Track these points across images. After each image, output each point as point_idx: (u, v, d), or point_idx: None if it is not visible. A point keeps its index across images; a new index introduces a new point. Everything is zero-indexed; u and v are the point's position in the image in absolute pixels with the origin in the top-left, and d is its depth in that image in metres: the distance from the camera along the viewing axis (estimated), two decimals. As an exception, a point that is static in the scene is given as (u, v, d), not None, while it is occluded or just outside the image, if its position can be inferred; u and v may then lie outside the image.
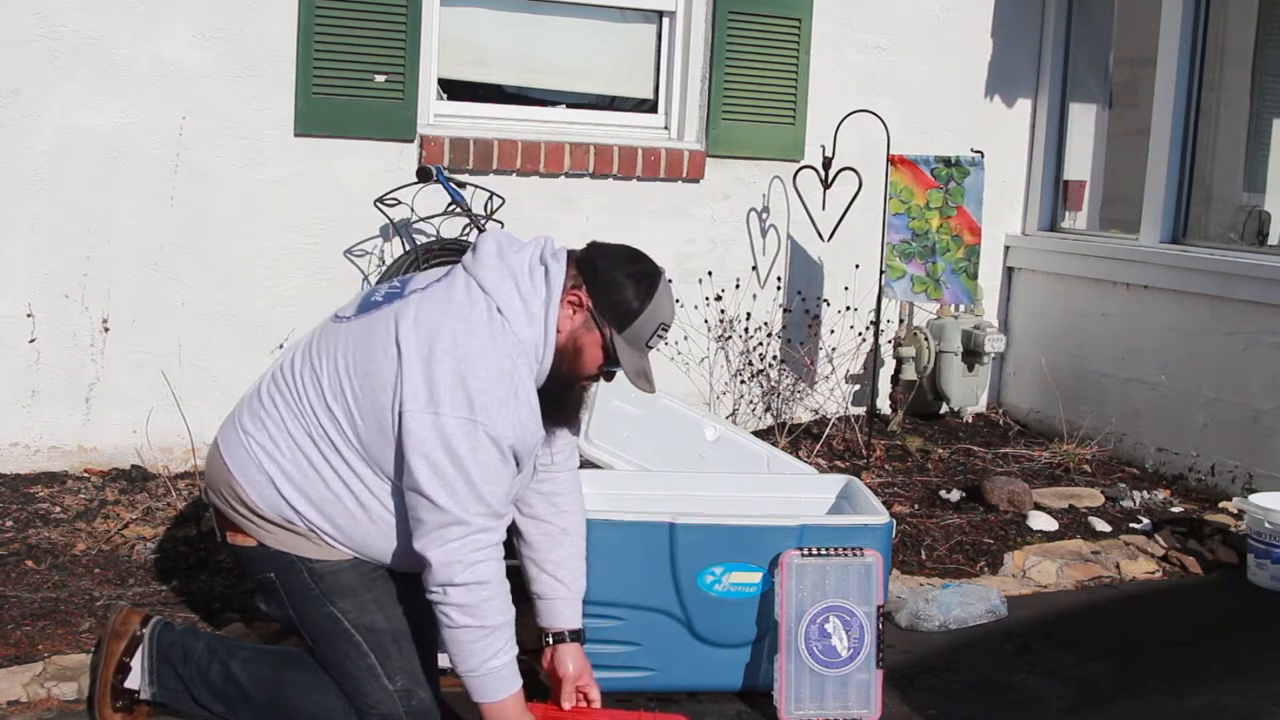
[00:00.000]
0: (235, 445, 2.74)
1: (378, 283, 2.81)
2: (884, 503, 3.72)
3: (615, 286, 2.70)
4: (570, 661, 2.89)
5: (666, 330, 2.79)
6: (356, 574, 2.72)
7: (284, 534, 2.71)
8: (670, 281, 2.87)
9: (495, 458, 2.56)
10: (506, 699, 2.61)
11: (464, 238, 4.69)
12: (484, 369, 2.56)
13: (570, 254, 2.76)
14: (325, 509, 2.68)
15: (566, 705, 2.86)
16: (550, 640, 2.91)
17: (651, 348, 2.78)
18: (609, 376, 2.84)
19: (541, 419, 2.69)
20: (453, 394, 2.53)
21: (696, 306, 5.39)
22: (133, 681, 2.82)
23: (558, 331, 2.69)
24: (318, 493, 2.67)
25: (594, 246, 2.79)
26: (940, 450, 5.39)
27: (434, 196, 4.75)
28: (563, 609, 2.92)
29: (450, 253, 4.47)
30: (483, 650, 2.57)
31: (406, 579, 2.73)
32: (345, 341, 2.68)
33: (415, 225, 4.79)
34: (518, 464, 2.64)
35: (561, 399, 2.76)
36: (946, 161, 5.19)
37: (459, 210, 4.61)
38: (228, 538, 2.82)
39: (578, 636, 2.92)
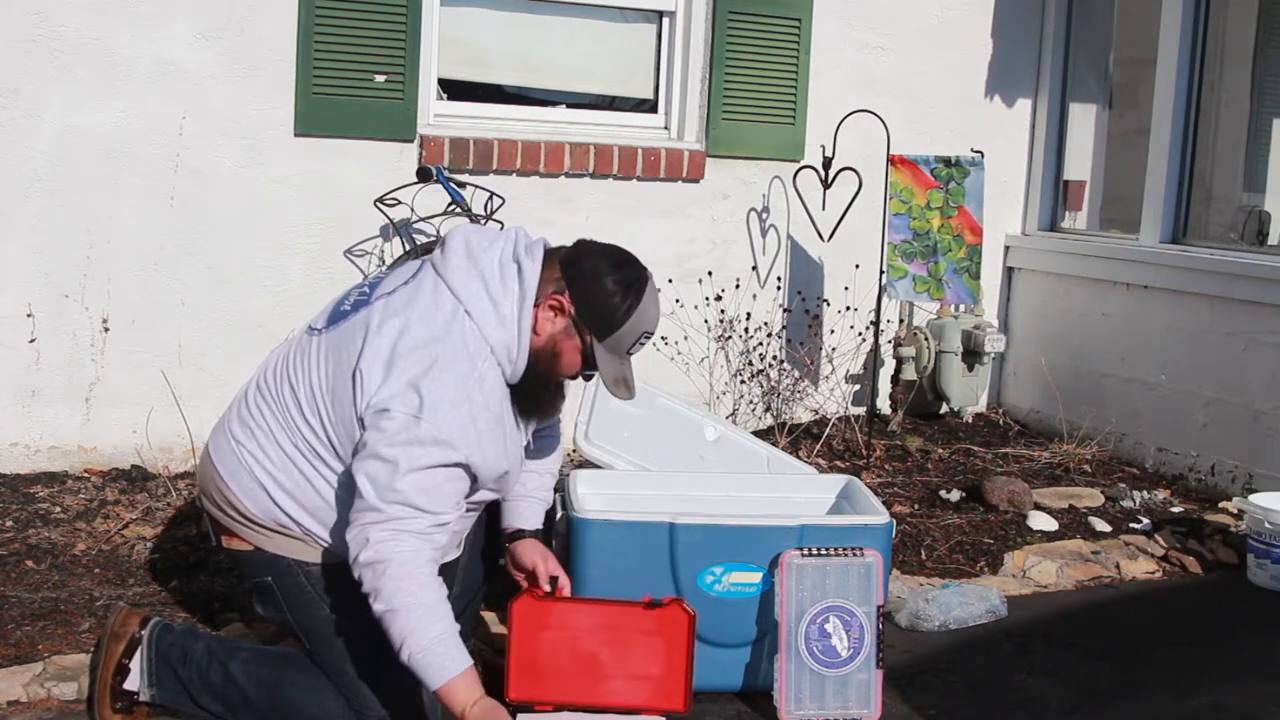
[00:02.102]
0: (227, 453, 2.74)
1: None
2: (884, 503, 3.72)
3: (600, 294, 2.65)
4: (531, 553, 2.90)
5: (649, 338, 2.74)
6: (353, 576, 2.72)
7: (280, 538, 2.71)
8: (660, 289, 2.82)
9: (432, 458, 2.50)
10: (448, 683, 2.46)
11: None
12: (440, 372, 2.52)
13: (552, 252, 2.72)
14: (319, 514, 2.68)
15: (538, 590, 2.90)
16: (507, 541, 2.92)
17: (632, 354, 2.75)
18: (587, 378, 2.83)
19: (518, 414, 2.67)
20: (403, 394, 2.50)
21: (696, 306, 5.39)
22: (132, 683, 2.82)
23: (536, 334, 2.66)
24: (310, 499, 2.67)
25: (581, 246, 2.74)
26: (940, 450, 5.39)
27: (434, 196, 4.75)
28: (524, 509, 2.94)
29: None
30: (397, 636, 2.45)
31: None
32: (317, 357, 2.66)
33: (415, 225, 4.79)
34: (474, 477, 2.59)
35: (536, 396, 2.74)
36: (946, 161, 5.19)
37: (459, 210, 4.61)
38: (223, 542, 2.82)
39: (537, 534, 2.94)
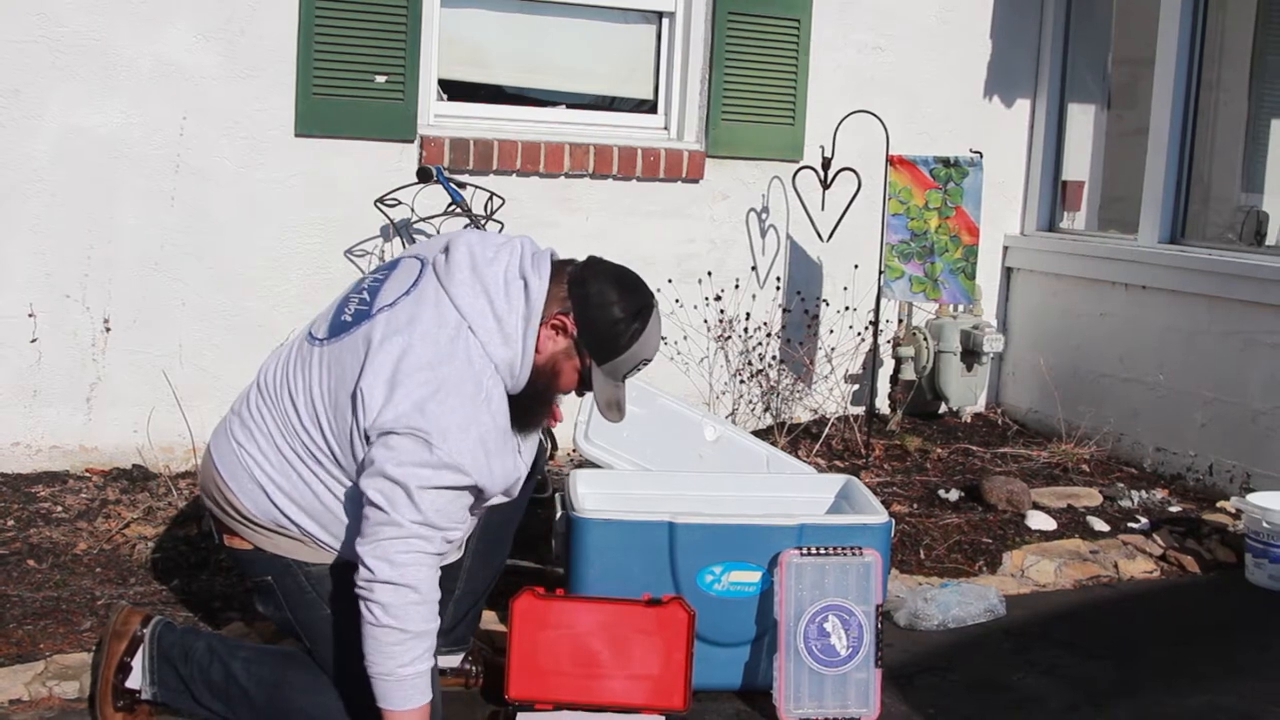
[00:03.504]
0: (227, 455, 2.74)
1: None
2: (883, 502, 3.72)
3: (605, 320, 2.65)
4: None
5: (646, 365, 2.74)
6: (352, 577, 2.72)
7: (279, 539, 2.72)
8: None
9: (443, 480, 2.51)
10: (412, 710, 2.54)
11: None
12: (446, 393, 2.51)
13: (559, 266, 2.70)
14: (318, 516, 2.68)
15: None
16: None
17: (627, 379, 2.75)
18: (580, 394, 2.83)
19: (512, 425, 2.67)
20: (410, 418, 2.48)
21: (696, 306, 5.40)
22: (134, 681, 2.83)
23: (538, 352, 2.65)
24: (309, 502, 2.67)
25: (589, 267, 2.72)
26: (939, 450, 5.40)
27: (434, 197, 4.75)
28: None
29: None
30: (399, 654, 2.51)
31: None
32: (318, 369, 2.65)
33: (415, 225, 4.80)
34: (481, 491, 2.60)
35: (529, 410, 2.73)
36: (945, 162, 5.19)
37: (459, 210, 4.62)
38: (225, 540, 2.83)
39: None
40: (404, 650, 2.51)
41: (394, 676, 2.51)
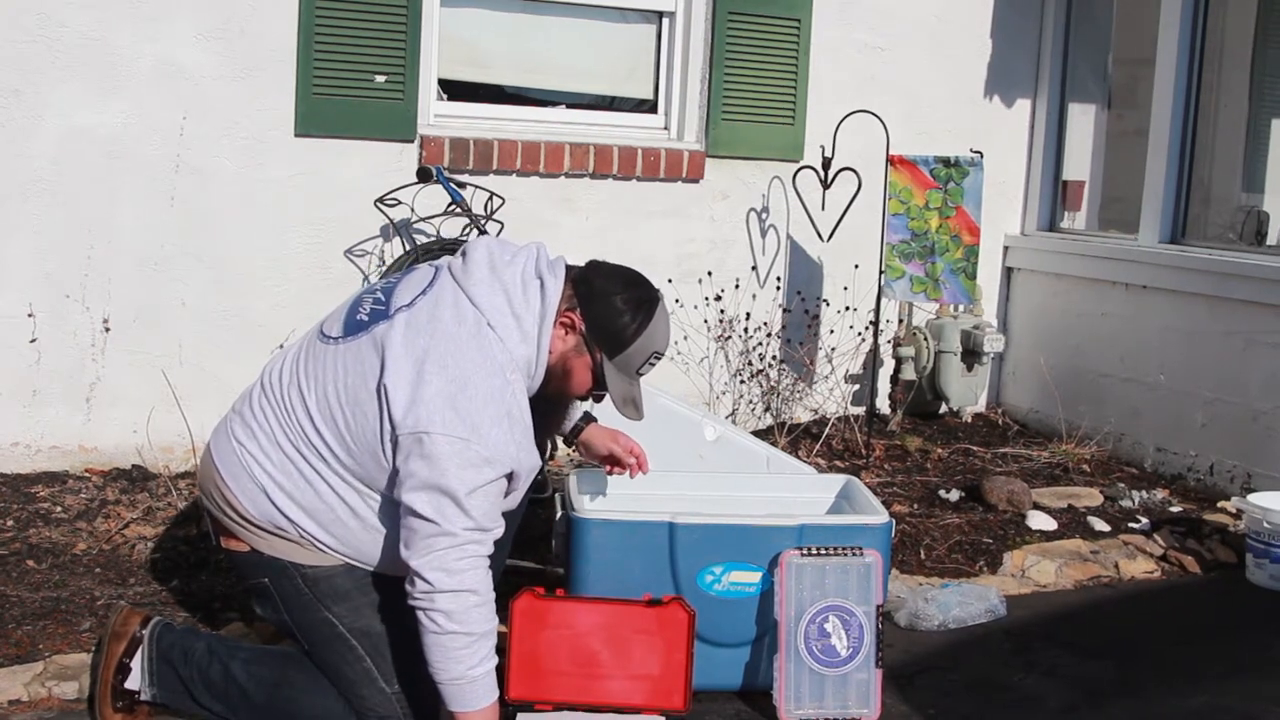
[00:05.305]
0: (228, 454, 2.74)
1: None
2: (883, 502, 3.72)
3: (611, 313, 2.68)
4: (602, 438, 3.15)
5: (659, 358, 2.77)
6: (350, 579, 2.72)
7: (277, 540, 2.72)
8: (671, 311, 2.86)
9: (485, 477, 2.53)
10: (484, 709, 2.58)
11: (464, 238, 4.70)
12: (474, 389, 2.53)
13: (567, 268, 2.73)
14: (319, 517, 2.68)
15: (628, 470, 3.18)
16: (573, 438, 3.15)
17: (642, 374, 2.77)
18: (598, 399, 2.84)
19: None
20: (443, 415, 2.50)
21: (696, 306, 5.39)
22: (133, 682, 2.83)
23: (549, 352, 2.67)
24: (310, 502, 2.67)
25: (592, 266, 2.76)
26: (939, 450, 5.40)
27: (434, 196, 4.75)
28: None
29: (449, 253, 4.47)
30: (468, 658, 2.54)
31: (400, 583, 2.73)
32: (334, 367, 2.65)
33: (415, 225, 4.80)
34: (510, 480, 2.61)
35: (545, 415, 2.75)
36: (946, 162, 5.19)
37: (459, 210, 4.62)
38: (222, 542, 2.84)
39: (590, 419, 3.17)
40: (471, 652, 2.54)
41: (465, 679, 2.55)
